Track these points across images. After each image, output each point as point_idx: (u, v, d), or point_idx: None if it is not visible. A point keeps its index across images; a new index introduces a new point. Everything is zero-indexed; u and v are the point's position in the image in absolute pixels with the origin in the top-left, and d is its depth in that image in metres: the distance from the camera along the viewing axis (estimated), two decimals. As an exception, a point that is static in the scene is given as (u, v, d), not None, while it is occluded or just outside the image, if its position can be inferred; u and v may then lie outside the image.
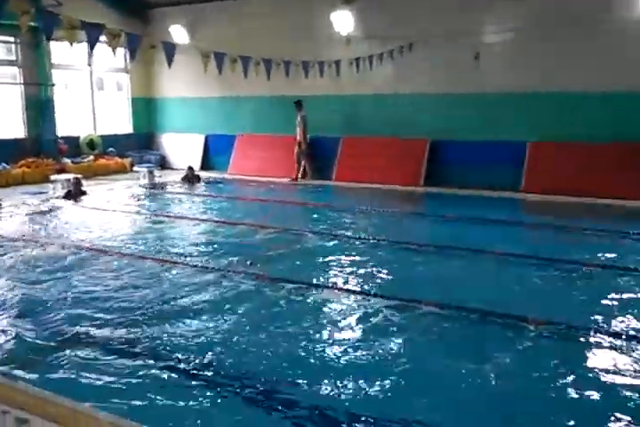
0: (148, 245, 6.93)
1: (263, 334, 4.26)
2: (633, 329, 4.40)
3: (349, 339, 4.22)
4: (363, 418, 3.14)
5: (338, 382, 3.54)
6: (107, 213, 9.10)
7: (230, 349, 4.02)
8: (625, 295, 5.20)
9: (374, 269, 6.05)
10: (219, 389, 3.44)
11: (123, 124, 15.19)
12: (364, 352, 3.98)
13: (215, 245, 6.93)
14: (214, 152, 14.68)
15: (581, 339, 4.26)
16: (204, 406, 3.27)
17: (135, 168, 13.68)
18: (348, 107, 12.80)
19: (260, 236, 7.51)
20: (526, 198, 10.51)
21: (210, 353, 3.93)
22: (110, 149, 14.25)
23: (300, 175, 12.79)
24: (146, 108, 15.38)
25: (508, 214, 8.82)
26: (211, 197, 10.95)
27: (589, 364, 3.88)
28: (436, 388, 3.51)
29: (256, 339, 4.17)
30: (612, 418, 3.18)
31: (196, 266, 6.01)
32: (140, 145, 15.19)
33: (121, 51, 11.47)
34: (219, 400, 3.34)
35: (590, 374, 3.72)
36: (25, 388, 3.04)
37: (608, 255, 6.49)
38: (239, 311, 4.72)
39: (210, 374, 3.65)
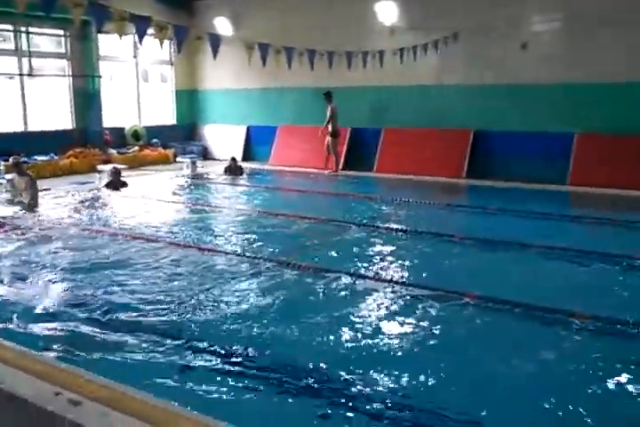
0: (188, 234, 7.03)
1: (303, 323, 4.28)
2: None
3: (392, 330, 4.21)
4: (403, 409, 3.14)
5: (381, 374, 3.53)
6: (150, 202, 9.26)
7: (276, 337, 4.05)
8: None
9: (415, 260, 6.03)
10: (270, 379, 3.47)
11: (166, 115, 15.42)
12: (405, 343, 3.97)
13: (256, 236, 6.99)
14: (256, 143, 14.79)
15: (629, 333, 4.16)
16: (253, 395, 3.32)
17: (178, 159, 13.88)
18: (390, 98, 12.72)
19: (300, 226, 7.55)
20: (572, 191, 10.30)
21: (259, 341, 3.97)
22: (154, 139, 14.48)
23: (337, 167, 12.74)
24: (189, 100, 15.57)
25: (553, 207, 8.64)
26: (253, 187, 11.04)
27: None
28: (485, 383, 3.48)
29: (298, 328, 4.20)
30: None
31: (238, 255, 6.08)
32: (183, 136, 15.41)
33: (166, 43, 11.65)
34: (261, 388, 3.38)
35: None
36: (77, 371, 3.14)
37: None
38: (279, 300, 4.76)
39: (256, 363, 3.68)
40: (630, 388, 3.40)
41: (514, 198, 9.57)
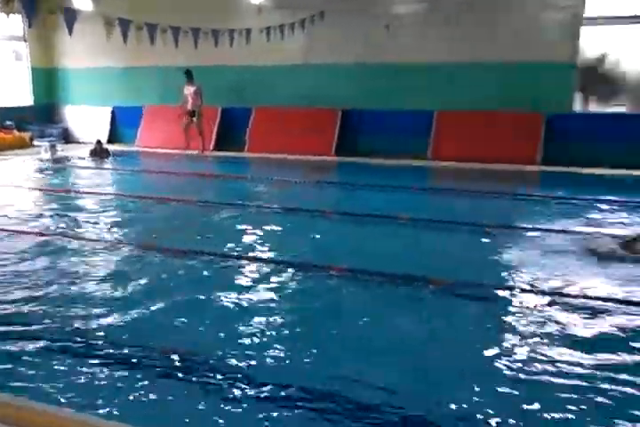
0: (46, 221, 6.64)
1: (164, 304, 4.19)
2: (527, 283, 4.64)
3: (260, 305, 4.22)
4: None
5: (238, 350, 3.53)
6: (5, 189, 8.64)
7: (136, 320, 3.94)
8: (523, 252, 5.48)
9: (285, 237, 6.09)
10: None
11: (22, 95, 14.38)
12: (272, 317, 4.00)
13: (120, 219, 6.74)
14: (122, 124, 14.19)
15: (492, 296, 4.43)
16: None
17: (36, 142, 13.03)
18: (258, 77, 12.64)
19: (167, 208, 7.36)
20: (433, 165, 10.82)
21: (117, 324, 3.84)
22: (8, 122, 13.47)
23: (205, 147, 12.54)
24: (47, 79, 14.60)
25: (416, 181, 9.05)
26: (119, 170, 10.62)
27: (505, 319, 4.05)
28: (343, 350, 3.58)
29: (160, 308, 4.11)
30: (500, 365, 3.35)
31: (99, 240, 5.83)
32: (41, 118, 14.44)
33: (17, 17, 10.83)
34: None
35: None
36: None
37: (509, 216, 6.84)
38: (141, 282, 4.63)
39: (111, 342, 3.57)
40: (478, 345, 3.64)
41: (380, 174, 9.91)
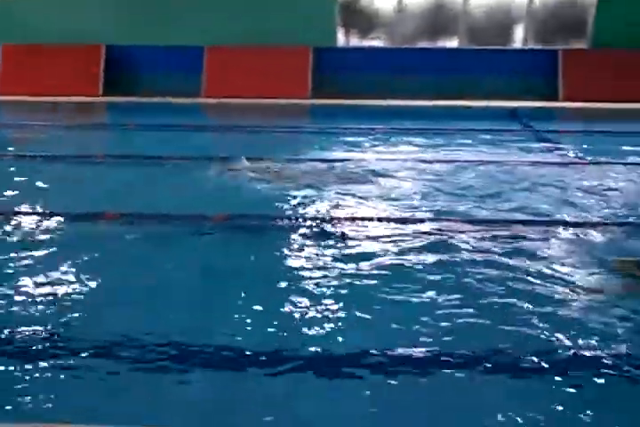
0: None
1: None
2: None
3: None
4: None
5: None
6: None
7: None
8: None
9: (42, 187, 5.60)
10: None
11: None
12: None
13: None
14: None
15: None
16: None
17: None
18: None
19: None
20: (207, 103, 10.68)
21: None
22: None
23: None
24: None
25: (189, 119, 8.84)
26: None
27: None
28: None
29: None
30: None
31: None
32: None
33: None
34: None
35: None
36: None
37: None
38: None
39: None
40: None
41: (151, 113, 9.49)
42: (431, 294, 3.34)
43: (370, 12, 11.55)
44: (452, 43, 11.43)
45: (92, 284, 3.53)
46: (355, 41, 11.68)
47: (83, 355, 2.76)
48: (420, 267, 3.73)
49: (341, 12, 11.28)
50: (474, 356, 2.73)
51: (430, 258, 3.86)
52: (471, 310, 3.14)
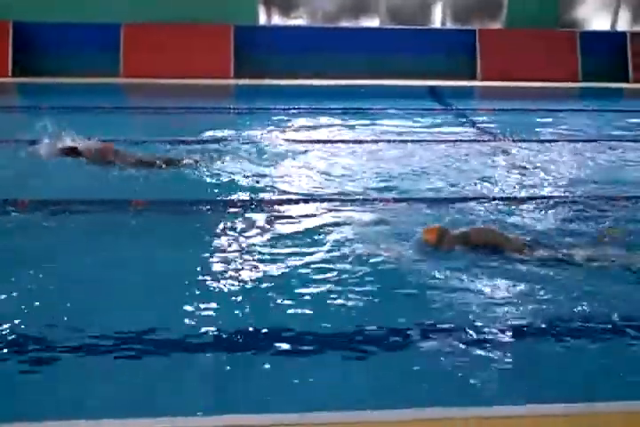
0: None
1: None
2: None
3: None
4: None
5: None
6: None
7: None
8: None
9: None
10: None
11: None
12: None
13: None
14: None
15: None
16: None
17: None
18: None
19: None
20: (127, 83, 10.35)
21: None
22: None
23: None
24: None
25: (110, 101, 8.55)
26: None
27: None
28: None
29: None
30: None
31: None
32: None
33: None
34: None
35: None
36: None
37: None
38: None
39: None
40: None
41: (68, 94, 9.09)
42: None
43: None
44: (373, 22, 11.49)
45: None
46: (277, 20, 11.55)
47: None
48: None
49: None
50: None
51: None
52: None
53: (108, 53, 10.60)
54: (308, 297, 3.17)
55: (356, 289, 3.25)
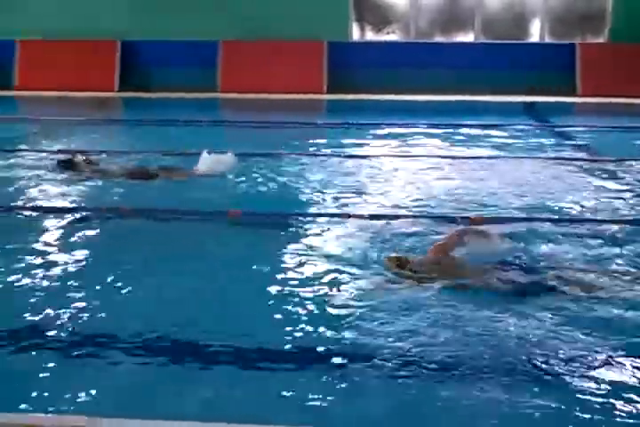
0: None
1: None
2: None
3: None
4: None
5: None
6: None
7: None
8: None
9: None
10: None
11: None
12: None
13: None
14: None
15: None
16: None
17: None
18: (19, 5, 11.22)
19: None
20: (224, 98, 10.69)
21: None
22: None
23: None
24: None
25: (207, 115, 8.86)
26: None
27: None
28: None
29: None
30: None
31: None
32: None
33: None
34: None
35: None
36: None
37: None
38: None
39: None
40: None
41: (167, 108, 9.52)
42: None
43: (384, 5, 11.48)
44: (468, 37, 11.35)
45: None
46: (370, 35, 11.62)
47: None
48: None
49: (356, 7, 11.24)
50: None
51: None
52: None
53: (206, 69, 11.02)
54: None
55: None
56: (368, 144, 7.19)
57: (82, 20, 11.05)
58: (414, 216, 4.58)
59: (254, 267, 3.63)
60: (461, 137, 7.54)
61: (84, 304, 3.16)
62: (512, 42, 11.20)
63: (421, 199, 5.03)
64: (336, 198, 5.02)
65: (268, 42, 10.94)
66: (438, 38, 11.51)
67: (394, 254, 3.72)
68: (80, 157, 5.84)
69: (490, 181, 5.57)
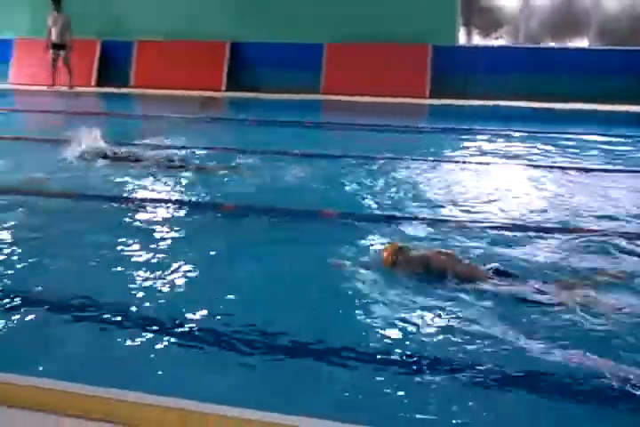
0: None
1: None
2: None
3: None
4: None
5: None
6: None
7: None
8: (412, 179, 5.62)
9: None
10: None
11: None
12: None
13: None
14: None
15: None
16: None
17: None
18: (139, 8, 11.86)
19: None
20: (325, 99, 10.80)
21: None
22: None
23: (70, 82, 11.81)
24: None
25: (309, 116, 8.98)
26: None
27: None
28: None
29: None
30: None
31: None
32: None
33: None
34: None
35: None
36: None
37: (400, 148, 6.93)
38: None
39: None
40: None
41: (272, 108, 9.73)
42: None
43: (493, 9, 11.23)
44: (582, 42, 10.88)
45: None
46: (477, 40, 11.40)
47: None
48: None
49: (463, 11, 11.06)
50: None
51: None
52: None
53: (310, 71, 11.19)
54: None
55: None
56: (464, 149, 7.03)
57: (194, 22, 11.56)
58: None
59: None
60: (561, 147, 7.14)
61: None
62: (629, 48, 10.57)
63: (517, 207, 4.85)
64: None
65: (372, 45, 10.98)
66: (550, 43, 11.13)
67: (389, 244, 3.67)
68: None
69: (588, 194, 5.26)
